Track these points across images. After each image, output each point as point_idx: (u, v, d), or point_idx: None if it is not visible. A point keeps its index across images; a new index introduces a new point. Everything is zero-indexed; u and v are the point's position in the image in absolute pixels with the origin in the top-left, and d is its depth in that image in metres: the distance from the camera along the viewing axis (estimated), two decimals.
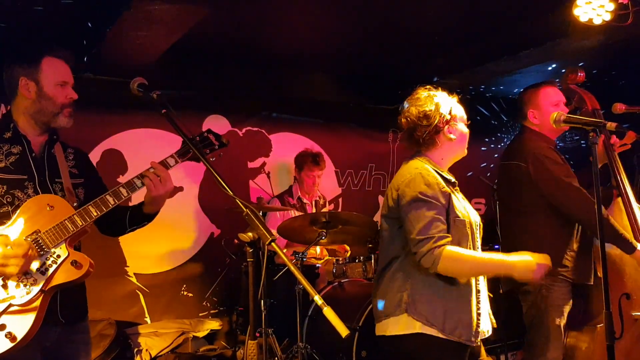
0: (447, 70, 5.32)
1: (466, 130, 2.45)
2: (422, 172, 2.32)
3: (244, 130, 5.65)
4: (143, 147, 4.96)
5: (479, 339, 2.31)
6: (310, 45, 4.95)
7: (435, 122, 2.37)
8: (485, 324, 2.35)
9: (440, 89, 2.48)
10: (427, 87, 2.47)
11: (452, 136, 2.40)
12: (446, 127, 2.39)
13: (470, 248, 2.31)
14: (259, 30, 4.56)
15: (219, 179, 2.00)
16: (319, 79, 5.95)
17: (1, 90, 2.36)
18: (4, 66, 2.31)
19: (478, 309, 2.31)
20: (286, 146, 5.75)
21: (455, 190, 2.42)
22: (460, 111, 2.44)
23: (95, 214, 2.18)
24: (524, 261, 2.19)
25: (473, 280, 2.30)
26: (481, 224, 2.44)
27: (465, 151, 2.49)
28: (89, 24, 4.05)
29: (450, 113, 2.40)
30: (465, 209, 2.36)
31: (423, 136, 2.39)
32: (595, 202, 2.90)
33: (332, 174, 6.17)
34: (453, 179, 2.42)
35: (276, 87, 5.67)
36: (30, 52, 2.32)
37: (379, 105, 6.34)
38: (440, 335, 2.23)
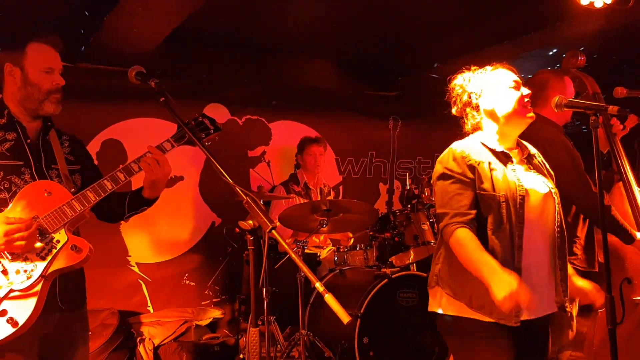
0: (447, 56, 5.28)
1: (507, 94, 2.29)
2: (452, 147, 2.31)
3: (243, 119, 5.64)
4: (143, 136, 4.94)
5: (516, 321, 2.14)
6: (309, 32, 4.92)
7: (469, 101, 2.35)
8: (531, 306, 2.14)
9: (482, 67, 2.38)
10: (471, 67, 2.40)
11: (489, 107, 2.32)
12: (480, 99, 2.34)
13: (501, 223, 2.19)
14: (257, 18, 4.54)
15: (219, 167, 2.00)
16: (319, 66, 5.92)
17: None
18: None
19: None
20: (286, 134, 5.74)
21: (508, 161, 2.29)
22: (498, 78, 2.33)
23: (93, 198, 2.19)
24: (499, 285, 1.98)
25: (505, 257, 2.16)
26: (552, 196, 2.30)
27: (522, 113, 2.29)
28: (86, 13, 4.03)
29: (481, 85, 2.33)
30: (508, 182, 2.22)
31: (468, 115, 2.38)
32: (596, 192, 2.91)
33: (333, 162, 6.17)
34: (500, 149, 2.30)
35: (275, 75, 5.64)
36: (15, 37, 2.30)
37: (379, 92, 6.31)
38: (468, 315, 2.18)
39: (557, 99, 2.45)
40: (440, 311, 2.30)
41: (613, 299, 2.23)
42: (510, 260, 2.16)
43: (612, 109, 2.30)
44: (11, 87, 2.27)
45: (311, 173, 5.14)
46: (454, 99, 2.41)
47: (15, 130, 2.26)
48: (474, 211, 2.18)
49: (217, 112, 5.41)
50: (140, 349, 4.50)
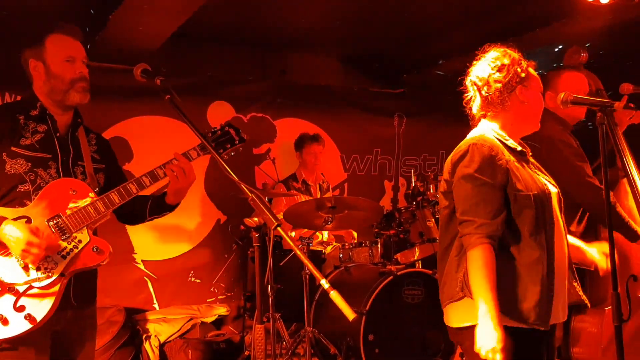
0: (452, 53, 5.28)
1: (538, 98, 2.21)
2: (477, 144, 2.10)
3: (248, 117, 5.64)
4: (149, 134, 4.96)
5: (548, 325, 2.04)
6: (314, 29, 4.92)
7: (509, 77, 2.15)
8: (559, 310, 2.10)
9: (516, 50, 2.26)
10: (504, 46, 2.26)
11: (522, 98, 2.17)
12: (519, 87, 2.16)
13: (538, 225, 2.07)
14: (262, 15, 4.54)
15: (224, 165, 2.00)
16: (324, 63, 5.93)
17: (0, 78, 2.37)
18: (21, 52, 2.31)
19: (550, 291, 2.05)
20: (291, 132, 5.74)
21: (524, 160, 2.20)
22: (536, 77, 2.23)
23: (117, 201, 2.21)
24: (485, 333, 1.91)
25: (543, 258, 2.05)
26: (559, 196, 2.23)
27: (538, 124, 2.26)
28: (92, 11, 4.04)
29: (526, 72, 2.19)
30: (535, 180, 2.13)
31: (493, 93, 2.16)
32: (602, 189, 2.89)
33: (338, 159, 6.16)
34: (519, 148, 2.19)
35: (280, 72, 5.66)
36: (33, 32, 2.31)
37: (383, 89, 6.32)
38: (509, 324, 1.99)
39: (562, 95, 2.43)
40: (466, 323, 2.07)
41: (619, 295, 2.21)
42: (547, 263, 2.06)
43: (619, 105, 2.28)
44: (38, 82, 2.29)
45: (310, 170, 5.17)
46: (497, 68, 2.18)
47: (46, 123, 2.27)
48: (500, 219, 2.03)
49: (222, 110, 5.41)
50: (146, 346, 4.52)
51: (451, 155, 2.18)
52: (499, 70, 2.17)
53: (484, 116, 2.24)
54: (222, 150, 2.44)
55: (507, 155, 2.12)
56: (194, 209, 5.29)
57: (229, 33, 5.02)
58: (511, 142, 2.18)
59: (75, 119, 2.37)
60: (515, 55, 2.23)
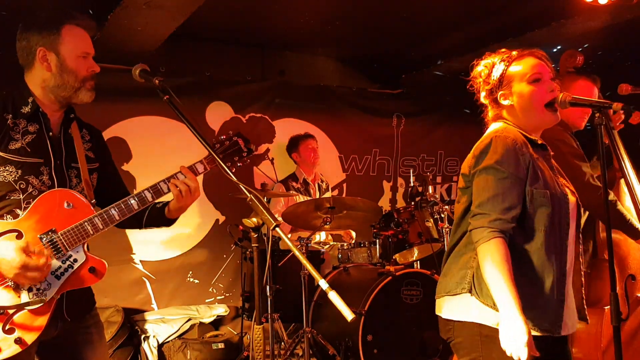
0: (451, 53, 5.28)
1: (526, 89, 2.09)
2: (500, 135, 2.03)
3: (247, 117, 5.64)
4: (147, 134, 4.96)
5: (560, 331, 1.99)
6: (313, 30, 4.92)
7: (488, 86, 2.16)
8: (571, 316, 2.05)
9: (509, 51, 2.20)
10: (500, 51, 2.21)
11: (505, 102, 2.13)
12: (499, 93, 2.15)
13: (552, 223, 2.00)
14: (261, 16, 4.54)
15: (223, 165, 2.00)
16: (322, 64, 5.94)
17: None
18: (18, 34, 2.11)
19: (561, 295, 2.00)
20: (289, 132, 5.74)
21: (545, 156, 2.12)
22: (519, 69, 2.12)
23: (117, 217, 2.08)
24: (511, 329, 1.82)
25: (556, 261, 2.00)
26: (577, 204, 2.13)
27: (545, 114, 2.10)
28: (90, 11, 4.04)
29: (499, 77, 2.13)
30: (554, 180, 2.06)
31: (487, 100, 2.19)
32: (601, 188, 2.90)
33: (336, 160, 6.17)
34: (540, 141, 2.12)
35: (279, 73, 5.66)
36: (49, 19, 2.09)
37: (382, 89, 6.33)
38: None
39: (561, 96, 2.42)
40: (469, 319, 2.03)
41: (617, 296, 2.21)
42: (559, 264, 2.01)
43: (617, 105, 2.28)
44: (42, 74, 2.07)
45: (310, 167, 5.18)
46: (475, 87, 2.23)
47: (38, 122, 2.07)
48: (515, 215, 1.96)
49: (221, 110, 5.41)
50: (145, 346, 4.52)
51: (473, 148, 2.11)
52: (484, 82, 2.20)
53: (500, 116, 2.21)
54: (229, 164, 2.32)
55: (531, 149, 2.06)
56: (193, 209, 5.29)
57: (228, 33, 5.02)
58: (532, 136, 2.12)
59: (67, 114, 2.18)
60: (484, 63, 2.21)
